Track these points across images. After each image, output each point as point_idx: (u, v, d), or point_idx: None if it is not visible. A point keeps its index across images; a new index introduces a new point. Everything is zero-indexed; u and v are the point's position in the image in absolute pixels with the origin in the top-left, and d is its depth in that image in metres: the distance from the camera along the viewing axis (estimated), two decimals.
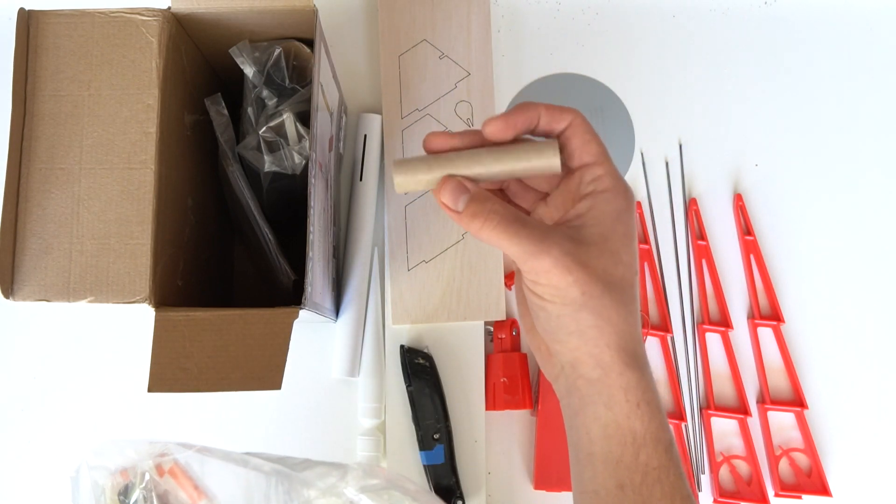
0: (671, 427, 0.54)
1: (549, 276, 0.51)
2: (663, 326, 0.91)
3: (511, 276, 0.91)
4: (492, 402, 0.87)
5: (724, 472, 0.88)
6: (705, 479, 0.88)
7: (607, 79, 0.96)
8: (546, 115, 0.54)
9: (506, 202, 0.54)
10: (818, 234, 0.93)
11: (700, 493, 0.88)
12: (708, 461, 0.89)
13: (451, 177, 0.54)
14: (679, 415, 0.89)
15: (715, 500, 0.87)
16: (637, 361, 0.53)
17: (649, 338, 0.90)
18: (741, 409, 0.89)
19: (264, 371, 0.62)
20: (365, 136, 0.92)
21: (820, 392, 0.90)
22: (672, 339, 0.90)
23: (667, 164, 0.94)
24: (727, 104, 0.95)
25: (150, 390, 0.61)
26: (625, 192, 0.54)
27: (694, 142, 0.94)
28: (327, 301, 0.80)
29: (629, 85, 0.96)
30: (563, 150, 0.55)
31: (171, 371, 0.62)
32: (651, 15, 0.97)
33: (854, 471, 0.89)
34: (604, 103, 0.95)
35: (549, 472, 0.87)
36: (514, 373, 0.87)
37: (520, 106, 0.54)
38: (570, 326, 0.53)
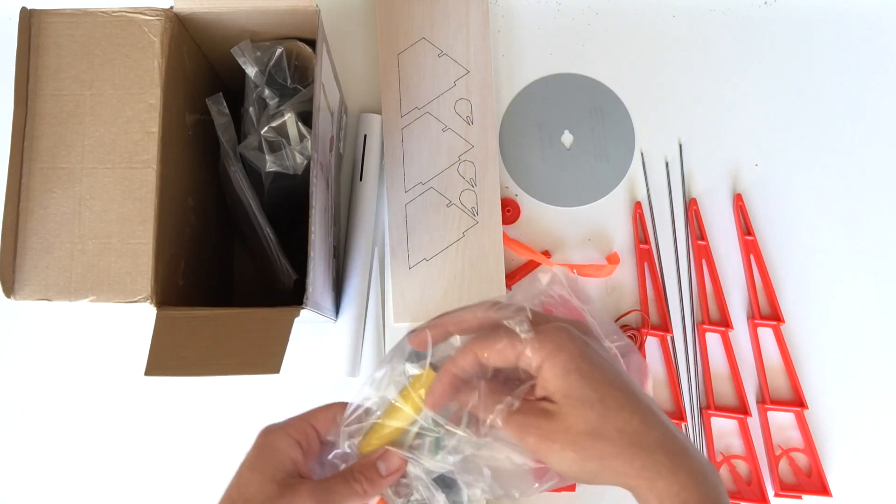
0: None
1: (540, 455, 0.55)
2: (663, 326, 0.91)
3: (511, 276, 0.91)
4: None
5: (723, 471, 0.88)
6: None
7: (607, 79, 0.96)
8: (452, 373, 0.57)
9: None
10: (818, 234, 0.93)
11: None
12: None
13: None
14: (679, 415, 0.89)
15: None
16: (666, 464, 0.53)
17: (649, 338, 0.90)
18: (741, 409, 0.89)
19: (264, 357, 0.62)
20: (365, 136, 0.92)
21: (820, 392, 0.90)
22: (672, 339, 0.90)
23: (667, 164, 0.94)
24: (727, 104, 0.95)
25: (147, 374, 0.60)
26: (556, 347, 0.55)
27: (694, 142, 0.94)
28: (327, 301, 0.80)
29: (629, 85, 0.96)
30: (501, 373, 0.58)
31: (170, 358, 0.62)
32: (651, 15, 0.97)
33: (854, 471, 0.89)
34: (604, 103, 0.96)
35: (549, 469, 0.86)
36: None
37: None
38: (592, 475, 0.54)
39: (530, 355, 0.55)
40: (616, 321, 0.90)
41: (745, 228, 0.92)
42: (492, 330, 0.57)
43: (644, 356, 0.90)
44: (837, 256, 0.92)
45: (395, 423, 0.58)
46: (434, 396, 0.57)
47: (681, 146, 0.94)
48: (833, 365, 0.90)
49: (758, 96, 0.95)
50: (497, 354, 0.56)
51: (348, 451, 0.59)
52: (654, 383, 0.90)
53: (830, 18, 0.97)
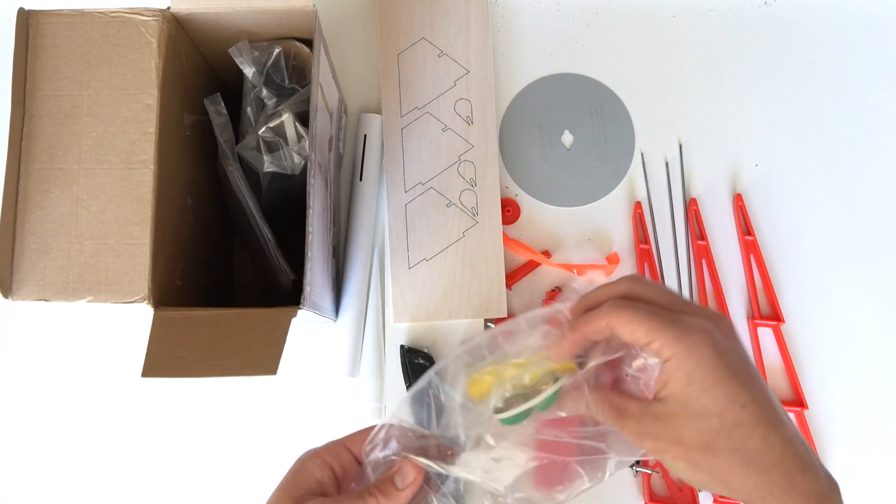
0: None
1: (657, 458, 0.55)
2: None
3: (511, 276, 0.91)
4: None
5: None
6: None
7: (607, 79, 0.96)
8: (583, 331, 0.57)
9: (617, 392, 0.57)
10: (818, 234, 0.93)
11: (700, 493, 0.88)
12: None
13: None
14: None
15: (715, 500, 0.87)
16: (781, 484, 0.52)
17: None
18: None
19: (261, 358, 0.62)
20: (365, 135, 0.92)
21: (820, 392, 0.90)
22: None
23: (667, 164, 0.94)
24: (727, 104, 0.95)
25: (143, 375, 0.60)
26: (687, 351, 0.53)
27: (694, 142, 0.94)
28: (326, 301, 0.80)
29: (629, 85, 0.96)
30: (623, 347, 0.58)
31: (167, 359, 0.62)
32: (651, 15, 0.97)
33: (854, 471, 0.88)
34: (604, 103, 0.95)
35: (549, 470, 0.86)
36: None
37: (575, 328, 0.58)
38: (703, 485, 0.54)
39: (662, 345, 0.54)
40: None
41: (745, 228, 0.92)
42: (634, 303, 0.56)
43: None
44: (837, 256, 0.92)
45: (509, 369, 0.58)
46: (566, 346, 0.58)
47: (681, 146, 0.94)
48: (833, 365, 0.90)
49: (758, 96, 0.95)
50: (632, 329, 0.55)
51: (370, 474, 0.60)
52: None
53: (830, 18, 0.96)
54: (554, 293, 0.90)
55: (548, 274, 0.92)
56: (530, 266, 0.92)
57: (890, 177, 0.94)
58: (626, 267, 0.92)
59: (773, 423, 0.53)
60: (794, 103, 0.95)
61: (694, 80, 0.96)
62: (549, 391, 0.57)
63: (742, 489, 0.52)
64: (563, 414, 0.58)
